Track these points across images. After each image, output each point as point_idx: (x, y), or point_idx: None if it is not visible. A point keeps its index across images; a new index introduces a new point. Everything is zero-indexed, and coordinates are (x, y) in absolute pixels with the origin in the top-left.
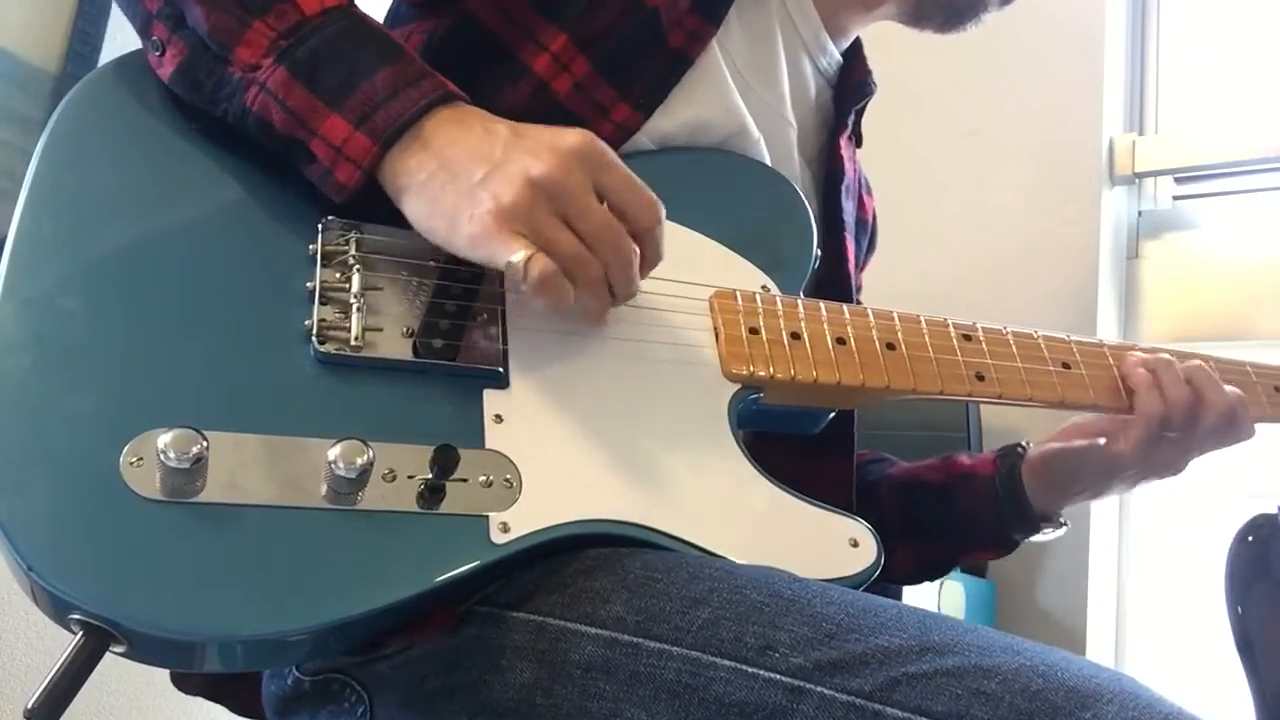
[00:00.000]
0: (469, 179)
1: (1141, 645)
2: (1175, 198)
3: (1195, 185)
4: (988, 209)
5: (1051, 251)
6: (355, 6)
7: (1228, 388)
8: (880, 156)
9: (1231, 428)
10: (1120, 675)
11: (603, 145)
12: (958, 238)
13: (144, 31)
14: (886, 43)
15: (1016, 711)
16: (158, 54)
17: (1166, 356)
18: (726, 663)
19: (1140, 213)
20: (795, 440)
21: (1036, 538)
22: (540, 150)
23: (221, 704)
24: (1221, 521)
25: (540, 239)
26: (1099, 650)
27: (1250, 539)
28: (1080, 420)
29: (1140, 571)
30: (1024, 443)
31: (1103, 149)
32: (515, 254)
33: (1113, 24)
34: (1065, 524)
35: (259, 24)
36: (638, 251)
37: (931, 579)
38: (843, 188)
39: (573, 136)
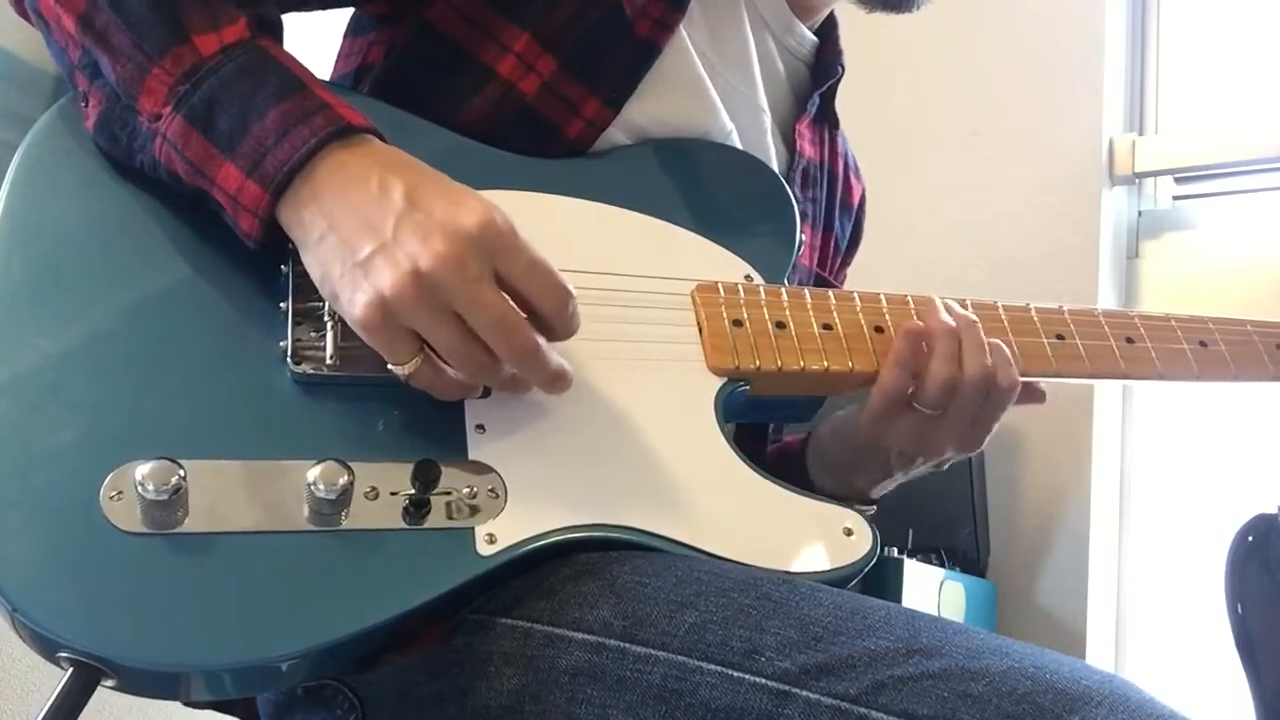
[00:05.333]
0: (355, 254)
1: (1141, 646)
2: (1175, 198)
3: (1195, 185)
4: (988, 209)
5: (1051, 251)
6: (262, 37)
7: (986, 338)
8: (881, 156)
9: (996, 393)
10: (1112, 677)
11: (505, 225)
12: (958, 238)
13: (70, 82)
14: (888, 42)
15: (1003, 714)
16: (83, 105)
17: (970, 319)
18: (713, 667)
19: (1140, 213)
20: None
21: None
22: (432, 233)
23: (228, 712)
24: (1221, 521)
25: (424, 334)
26: (1099, 650)
27: (1250, 539)
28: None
29: (1140, 571)
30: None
31: (1103, 149)
32: (399, 364)
33: (1113, 24)
34: (864, 508)
35: (157, 70)
36: (540, 340)
37: None
38: (795, 174)
39: (471, 216)
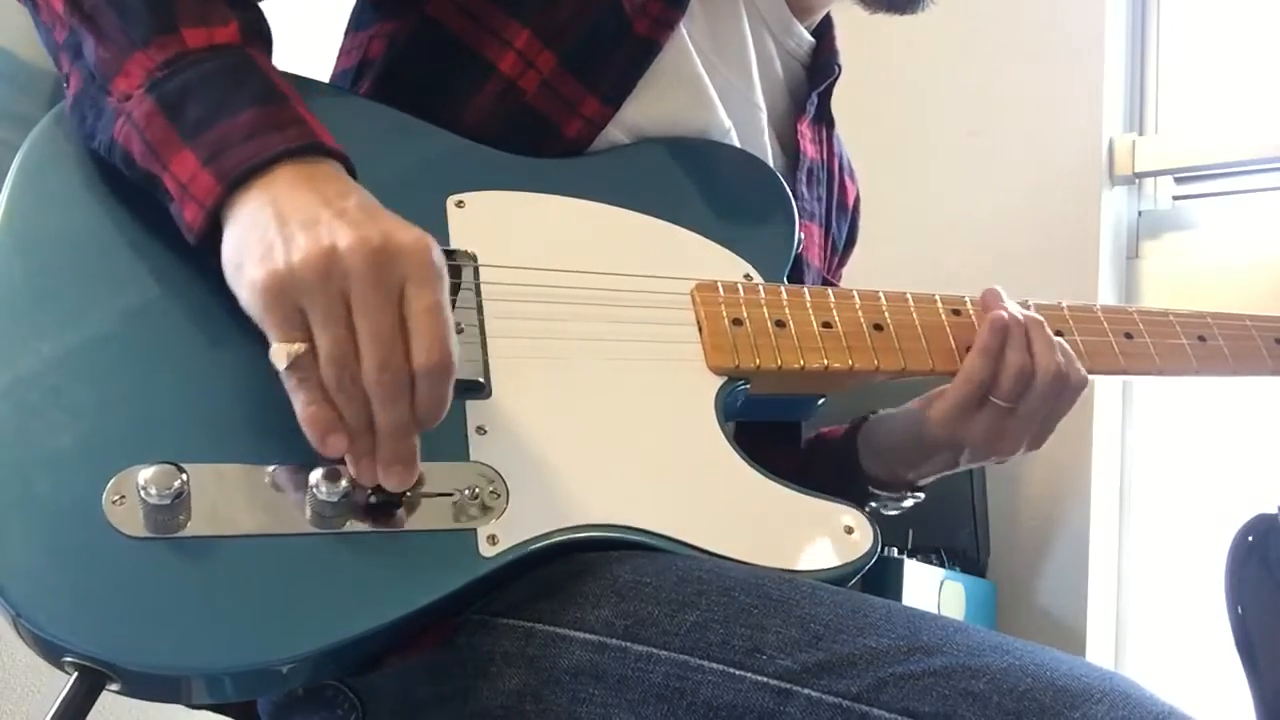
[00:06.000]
0: (279, 227)
1: (1141, 645)
2: (1175, 198)
3: (1195, 185)
4: (987, 209)
5: (1051, 251)
6: (253, 46)
7: (1053, 335)
8: (881, 156)
9: (1067, 390)
10: (1112, 674)
11: (436, 262)
12: (957, 237)
13: (55, 63)
14: (888, 43)
15: (1004, 712)
16: (66, 88)
17: (1037, 318)
18: (714, 665)
19: (1140, 213)
20: (743, 434)
21: (889, 510)
22: (365, 227)
23: (227, 714)
24: (1221, 521)
25: (313, 317)
26: (1099, 650)
27: (1250, 539)
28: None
29: (1140, 571)
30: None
31: (1103, 149)
32: (280, 347)
33: (1113, 24)
34: (914, 496)
35: (140, 54)
36: (409, 386)
37: None
38: (800, 174)
39: (410, 234)
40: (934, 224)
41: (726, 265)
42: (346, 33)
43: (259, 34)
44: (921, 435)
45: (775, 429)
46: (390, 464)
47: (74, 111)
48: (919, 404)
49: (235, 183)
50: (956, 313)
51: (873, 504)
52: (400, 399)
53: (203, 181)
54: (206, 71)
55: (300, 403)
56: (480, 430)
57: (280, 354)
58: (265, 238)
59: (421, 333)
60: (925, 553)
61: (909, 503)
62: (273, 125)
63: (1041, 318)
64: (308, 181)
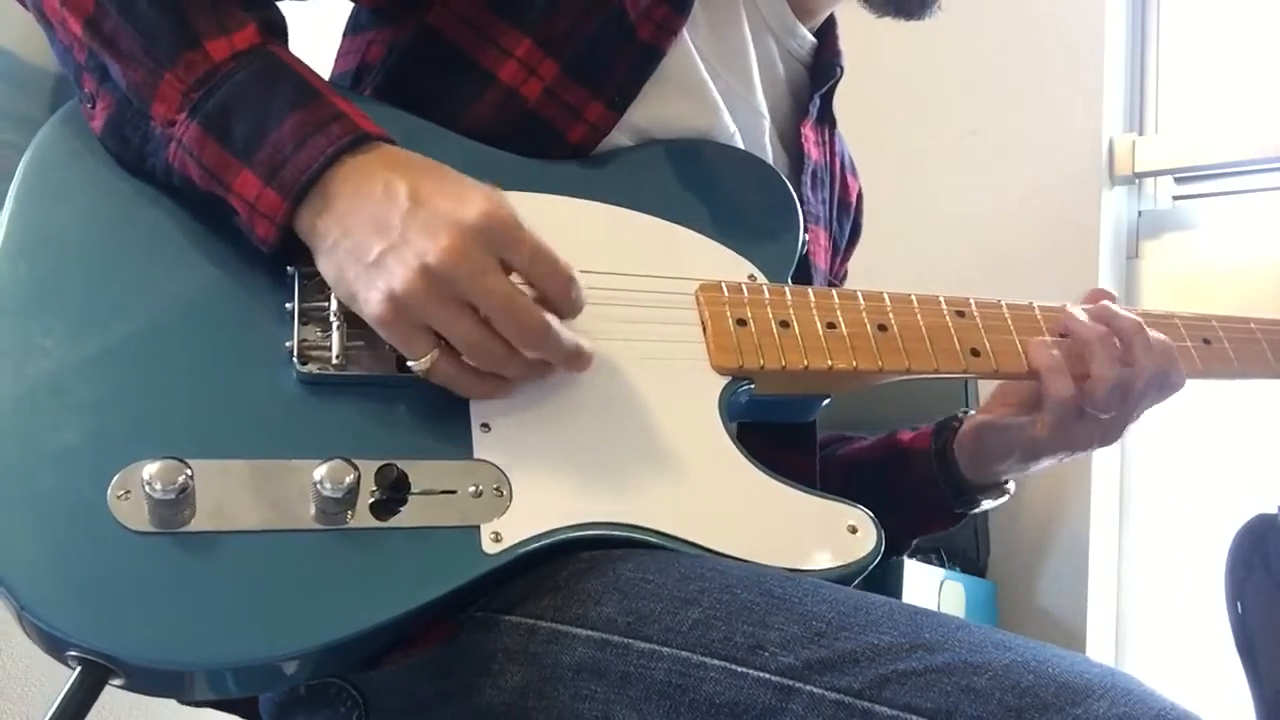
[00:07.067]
0: (366, 255)
1: (1141, 645)
2: (1175, 198)
3: (1195, 185)
4: (987, 209)
5: (1051, 251)
6: (273, 42)
7: (1154, 335)
8: (880, 156)
9: (1165, 390)
10: (1113, 671)
11: (508, 215)
12: (957, 238)
13: (76, 83)
14: (887, 43)
15: (1006, 708)
16: (89, 106)
17: (1100, 330)
18: (716, 662)
19: (1140, 213)
20: (758, 438)
21: (980, 508)
22: (437, 228)
23: (229, 711)
24: (1221, 521)
25: (438, 328)
26: (1099, 650)
27: (1250, 538)
28: (1010, 386)
29: (1140, 571)
30: (961, 413)
31: (1103, 149)
32: (416, 359)
33: (1113, 24)
34: (1008, 491)
35: (170, 76)
36: (552, 320)
37: (892, 556)
38: (805, 177)
39: (475, 207)
40: (934, 224)
41: (730, 266)
42: (344, 35)
43: (275, 28)
44: (1026, 450)
45: (790, 432)
46: (571, 362)
47: (111, 133)
48: (1015, 416)
49: (299, 196)
50: (960, 314)
51: (972, 508)
52: (548, 335)
53: (269, 200)
54: (239, 83)
55: (461, 392)
56: (485, 427)
57: (419, 370)
58: (358, 266)
59: (540, 276)
60: (925, 553)
61: (1005, 498)
62: (316, 126)
63: (1140, 320)
64: (359, 182)
